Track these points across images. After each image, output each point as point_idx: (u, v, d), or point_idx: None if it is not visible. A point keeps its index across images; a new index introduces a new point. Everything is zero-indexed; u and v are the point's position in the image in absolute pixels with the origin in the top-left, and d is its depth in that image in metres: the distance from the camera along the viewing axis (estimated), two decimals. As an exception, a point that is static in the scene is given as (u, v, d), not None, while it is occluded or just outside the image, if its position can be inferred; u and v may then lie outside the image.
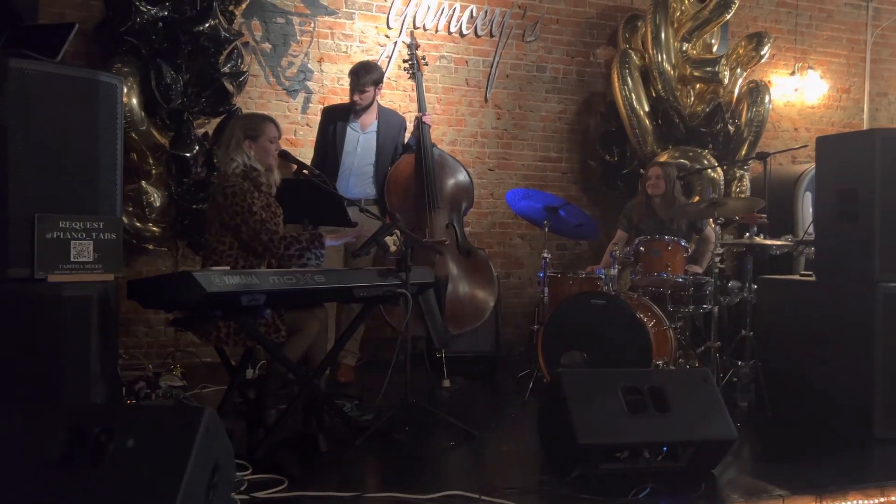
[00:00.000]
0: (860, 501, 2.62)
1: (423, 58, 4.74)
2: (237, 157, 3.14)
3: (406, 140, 4.60)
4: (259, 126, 3.20)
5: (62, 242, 2.53)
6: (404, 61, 4.73)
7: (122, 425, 2.08)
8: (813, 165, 5.63)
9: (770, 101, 5.45)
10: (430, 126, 4.58)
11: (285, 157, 3.60)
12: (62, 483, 1.99)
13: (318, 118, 4.62)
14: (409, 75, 4.72)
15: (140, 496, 1.94)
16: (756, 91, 5.35)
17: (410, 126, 4.67)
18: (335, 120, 4.38)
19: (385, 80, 5.18)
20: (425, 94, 4.71)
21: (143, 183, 4.22)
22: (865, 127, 6.63)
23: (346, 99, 4.52)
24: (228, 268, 2.87)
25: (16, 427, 2.11)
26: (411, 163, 4.54)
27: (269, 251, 3.07)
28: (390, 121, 4.51)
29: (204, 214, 4.07)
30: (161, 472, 1.97)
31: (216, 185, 3.18)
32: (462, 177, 4.68)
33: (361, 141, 4.38)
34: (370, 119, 4.40)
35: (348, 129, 4.36)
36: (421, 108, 4.61)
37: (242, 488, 2.48)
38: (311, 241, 3.11)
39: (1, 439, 2.08)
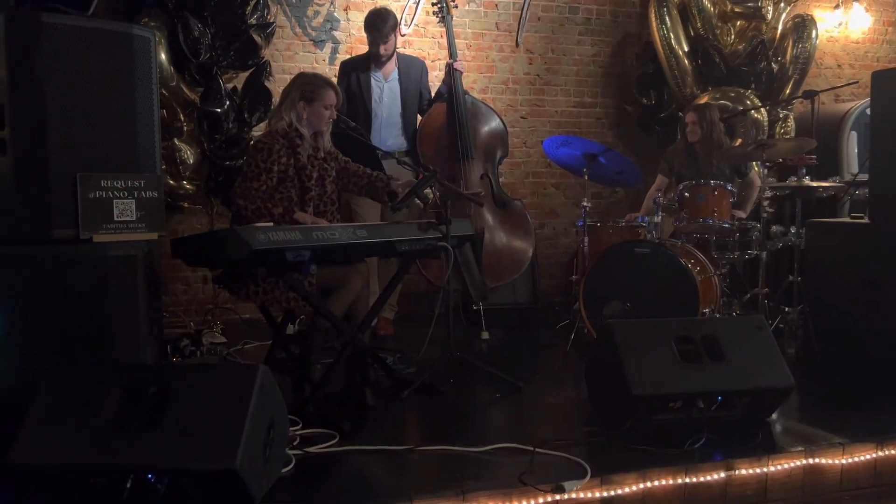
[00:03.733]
0: (923, 448, 2.56)
1: (453, 0, 4.58)
2: (287, 115, 3.11)
3: (438, 88, 4.48)
4: (318, 90, 3.16)
5: (105, 202, 2.50)
6: (433, 4, 4.58)
7: (177, 384, 2.08)
8: (858, 103, 5.44)
9: (817, 36, 5.21)
10: (461, 73, 4.46)
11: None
12: (121, 443, 2.00)
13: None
14: (438, 20, 4.57)
15: (200, 455, 1.94)
16: (802, 26, 5.11)
17: (437, 73, 4.52)
18: (356, 72, 4.25)
19: (413, 27, 5.05)
20: (455, 39, 4.56)
21: (176, 140, 4.17)
22: (912, 62, 6.35)
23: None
24: (272, 224, 2.83)
25: (73, 388, 2.11)
26: (443, 112, 4.43)
27: (237, 212, 3.03)
28: (411, 67, 4.38)
29: (238, 171, 4.03)
30: (220, 431, 1.96)
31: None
32: (496, 125, 4.56)
33: (386, 90, 4.28)
34: (391, 67, 4.30)
35: (371, 79, 4.25)
36: (452, 54, 4.47)
37: (295, 443, 2.49)
38: (281, 217, 3.01)
39: (57, 401, 2.09)
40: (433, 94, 4.50)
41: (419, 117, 4.45)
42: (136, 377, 2.12)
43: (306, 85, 3.17)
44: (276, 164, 3.05)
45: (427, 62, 4.98)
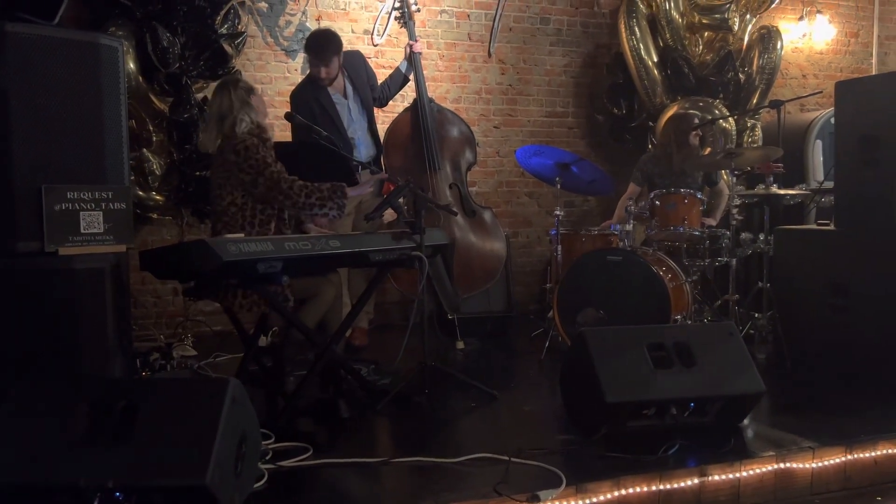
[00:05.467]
0: (890, 451, 2.61)
1: (415, 3, 4.58)
2: (246, 115, 3.07)
3: (398, 66, 4.47)
4: (247, 84, 3.19)
5: (71, 214, 2.45)
6: (394, 9, 4.58)
7: (146, 399, 2.04)
8: (823, 112, 5.55)
9: (782, 47, 5.32)
10: (420, 54, 4.46)
11: (291, 118, 3.51)
12: (88, 460, 1.95)
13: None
14: (400, 25, 4.59)
15: (170, 471, 1.91)
16: (768, 37, 5.22)
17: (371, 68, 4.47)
18: (316, 97, 4.02)
19: (386, 37, 5.05)
20: (427, 49, 4.55)
21: (145, 151, 4.13)
22: (874, 72, 6.51)
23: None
24: (243, 235, 2.80)
25: (39, 403, 2.06)
26: (409, 122, 4.42)
27: (290, 199, 3.01)
28: (356, 67, 4.24)
29: (208, 181, 3.98)
30: (190, 446, 1.93)
31: (222, 146, 3.09)
32: (463, 133, 4.57)
33: (353, 108, 4.19)
34: (341, 80, 4.14)
35: (335, 102, 4.10)
36: (410, 35, 4.48)
37: (267, 457, 2.45)
38: (332, 191, 3.06)
39: (25, 416, 2.04)
40: (394, 71, 4.47)
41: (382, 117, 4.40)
42: (104, 392, 2.08)
43: (237, 84, 3.16)
44: (268, 155, 3.04)
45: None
